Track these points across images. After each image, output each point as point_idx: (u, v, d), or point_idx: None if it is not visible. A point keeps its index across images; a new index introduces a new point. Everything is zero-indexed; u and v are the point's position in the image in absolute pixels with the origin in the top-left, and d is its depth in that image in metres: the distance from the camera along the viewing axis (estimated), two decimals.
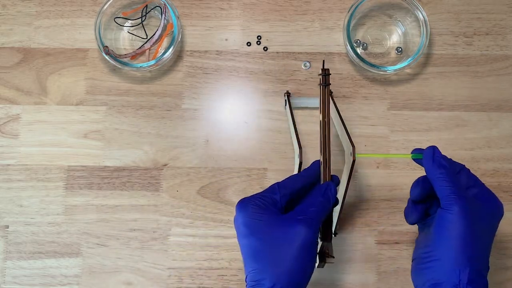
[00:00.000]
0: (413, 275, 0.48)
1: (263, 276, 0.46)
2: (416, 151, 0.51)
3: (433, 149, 0.49)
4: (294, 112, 0.63)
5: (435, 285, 0.45)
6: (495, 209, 0.48)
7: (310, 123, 0.66)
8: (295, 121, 0.60)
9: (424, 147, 0.50)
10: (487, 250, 0.47)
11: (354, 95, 0.67)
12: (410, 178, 0.52)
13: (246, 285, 0.47)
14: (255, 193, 0.50)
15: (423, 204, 0.51)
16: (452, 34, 0.68)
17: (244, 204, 0.48)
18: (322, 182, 0.52)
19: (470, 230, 0.45)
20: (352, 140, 0.53)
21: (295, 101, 0.65)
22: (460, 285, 0.44)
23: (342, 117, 0.59)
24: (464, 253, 0.45)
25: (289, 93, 0.65)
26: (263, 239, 0.46)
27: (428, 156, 0.49)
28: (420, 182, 0.50)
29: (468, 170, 0.51)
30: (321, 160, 0.52)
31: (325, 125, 0.51)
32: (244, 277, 0.48)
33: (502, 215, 0.49)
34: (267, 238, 0.46)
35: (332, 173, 0.52)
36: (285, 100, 0.65)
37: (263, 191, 0.50)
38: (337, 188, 0.52)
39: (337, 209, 0.61)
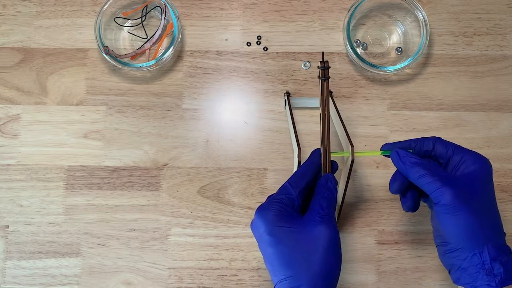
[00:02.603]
0: (441, 259, 0.50)
1: (299, 282, 0.45)
2: (385, 147, 0.52)
3: (397, 152, 0.50)
4: (294, 112, 0.63)
5: (462, 270, 0.46)
6: (483, 170, 0.48)
7: (310, 123, 0.66)
8: (295, 121, 0.60)
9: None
10: (495, 217, 0.47)
11: (354, 95, 0.67)
12: None
13: None
14: (267, 195, 0.50)
15: (412, 192, 0.51)
16: (452, 34, 0.68)
17: (264, 212, 0.47)
18: (322, 173, 0.52)
19: (471, 211, 0.45)
20: (352, 140, 0.53)
21: (295, 101, 0.65)
22: (485, 265, 0.45)
23: (342, 117, 0.59)
24: (476, 236, 0.45)
25: (289, 93, 0.65)
26: (291, 245, 0.46)
27: (396, 161, 0.49)
28: (398, 177, 0.51)
29: (440, 138, 0.51)
30: (322, 151, 0.52)
31: (324, 117, 0.52)
32: (272, 285, 0.48)
33: (491, 168, 0.49)
34: (295, 243, 0.46)
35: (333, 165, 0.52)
36: (285, 100, 0.65)
37: (277, 194, 0.49)
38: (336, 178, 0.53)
39: (336, 210, 0.61)
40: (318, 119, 0.66)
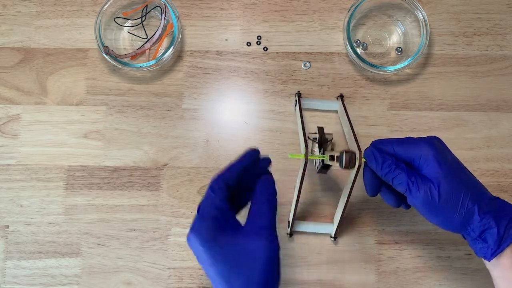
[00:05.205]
0: None
1: None
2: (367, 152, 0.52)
3: (373, 154, 0.50)
4: (303, 113, 0.63)
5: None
6: (432, 151, 0.48)
7: (315, 124, 0.66)
8: (304, 122, 0.60)
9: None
10: (469, 189, 0.48)
11: (354, 95, 0.67)
12: None
13: None
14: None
15: (391, 192, 0.52)
16: (452, 34, 0.68)
17: (198, 233, 0.45)
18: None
19: (439, 212, 0.47)
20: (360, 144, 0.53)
21: (305, 102, 0.65)
22: (478, 240, 0.47)
23: (353, 122, 0.59)
24: (456, 225, 0.47)
25: (300, 94, 0.65)
26: (230, 262, 0.44)
27: (372, 163, 0.50)
28: (369, 185, 0.52)
29: (383, 142, 0.51)
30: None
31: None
32: None
33: (440, 142, 0.50)
34: (233, 259, 0.44)
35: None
36: (296, 100, 0.65)
37: (206, 205, 0.46)
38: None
39: (337, 215, 0.61)
40: (324, 120, 0.66)
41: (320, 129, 0.54)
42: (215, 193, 0.46)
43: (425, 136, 0.50)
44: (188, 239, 0.46)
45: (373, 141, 0.52)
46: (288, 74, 0.67)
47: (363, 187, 0.65)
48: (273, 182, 0.49)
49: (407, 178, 0.48)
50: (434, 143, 0.49)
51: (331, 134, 0.55)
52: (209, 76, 0.67)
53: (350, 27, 0.64)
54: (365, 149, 0.51)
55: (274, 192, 0.48)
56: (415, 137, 0.51)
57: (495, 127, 0.66)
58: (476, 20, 0.68)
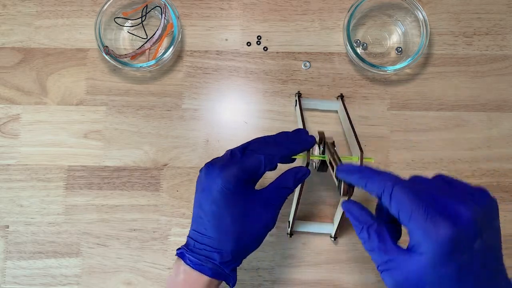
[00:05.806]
0: None
1: (223, 248, 0.46)
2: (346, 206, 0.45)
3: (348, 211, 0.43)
4: (303, 113, 0.63)
5: None
6: (442, 247, 0.34)
7: (317, 124, 0.66)
8: (305, 121, 0.60)
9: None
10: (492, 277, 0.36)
11: (354, 95, 0.67)
12: None
13: (191, 244, 0.47)
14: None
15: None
16: (452, 34, 0.68)
17: (227, 172, 0.46)
18: (308, 159, 0.51)
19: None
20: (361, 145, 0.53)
21: (306, 102, 0.65)
22: None
23: (352, 122, 0.59)
24: None
25: (300, 94, 0.65)
26: (233, 213, 0.46)
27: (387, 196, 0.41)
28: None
29: (398, 188, 0.40)
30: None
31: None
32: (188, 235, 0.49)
33: (479, 219, 0.35)
34: (238, 213, 0.46)
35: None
36: (296, 100, 0.65)
37: (247, 156, 0.47)
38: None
39: (337, 215, 0.61)
40: (324, 120, 0.66)
41: (321, 133, 0.54)
42: (269, 161, 0.47)
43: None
44: (212, 167, 0.47)
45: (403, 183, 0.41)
46: (288, 74, 0.67)
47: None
48: (307, 175, 0.50)
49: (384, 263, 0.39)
50: (456, 233, 0.34)
51: (331, 137, 0.54)
52: (209, 76, 0.67)
53: (350, 27, 0.64)
54: (344, 203, 0.45)
55: (300, 182, 0.50)
56: (448, 198, 0.37)
57: (495, 127, 0.66)
58: (476, 20, 0.68)
